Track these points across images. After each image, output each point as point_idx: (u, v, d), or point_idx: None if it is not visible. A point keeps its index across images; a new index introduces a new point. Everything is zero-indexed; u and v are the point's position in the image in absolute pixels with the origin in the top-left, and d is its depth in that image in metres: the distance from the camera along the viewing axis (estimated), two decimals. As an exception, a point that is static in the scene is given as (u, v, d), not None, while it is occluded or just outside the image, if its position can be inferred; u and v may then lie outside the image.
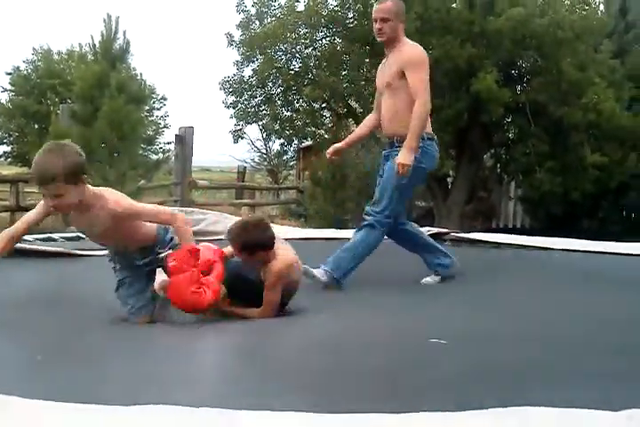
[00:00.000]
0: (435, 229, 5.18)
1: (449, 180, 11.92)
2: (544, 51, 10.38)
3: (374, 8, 3.66)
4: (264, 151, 21.47)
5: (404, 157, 3.38)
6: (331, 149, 4.03)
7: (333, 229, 6.11)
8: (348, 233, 5.20)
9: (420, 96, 3.40)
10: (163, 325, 2.68)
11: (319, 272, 3.41)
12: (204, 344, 2.43)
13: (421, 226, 5.86)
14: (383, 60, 3.85)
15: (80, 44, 23.13)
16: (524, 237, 5.20)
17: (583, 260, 4.25)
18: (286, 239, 4.84)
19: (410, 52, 3.58)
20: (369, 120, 4.01)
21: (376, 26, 3.60)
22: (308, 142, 13.44)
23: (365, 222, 3.66)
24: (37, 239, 4.46)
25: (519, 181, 12.08)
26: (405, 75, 3.47)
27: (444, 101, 10.04)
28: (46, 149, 2.45)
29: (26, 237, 4.30)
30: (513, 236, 5.42)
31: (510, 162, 11.50)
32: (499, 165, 12.16)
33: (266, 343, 2.29)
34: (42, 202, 2.53)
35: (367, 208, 3.70)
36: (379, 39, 3.64)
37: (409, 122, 3.41)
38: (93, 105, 7.13)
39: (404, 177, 3.42)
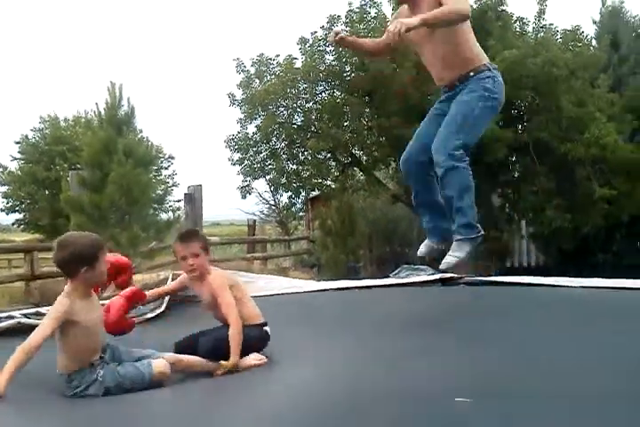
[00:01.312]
0: (448, 274, 5.14)
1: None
2: (541, 89, 10.56)
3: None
4: (272, 203, 21.63)
5: (408, 20, 3.01)
6: (337, 37, 3.41)
7: (347, 281, 6.04)
8: (365, 282, 5.19)
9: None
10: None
11: (455, 253, 3.28)
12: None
13: (437, 270, 5.83)
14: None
15: (86, 110, 23.76)
16: (546, 278, 5.13)
17: (603, 296, 4.17)
18: (303, 292, 4.85)
19: None
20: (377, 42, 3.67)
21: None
22: (316, 193, 13.55)
23: (442, 171, 3.32)
24: (23, 315, 4.31)
25: (529, 219, 12.05)
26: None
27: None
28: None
29: (41, 310, 4.23)
30: (530, 277, 5.35)
31: (518, 201, 11.52)
32: (507, 205, 12.17)
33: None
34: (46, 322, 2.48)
35: (435, 156, 3.31)
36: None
37: (460, 61, 3.25)
38: (102, 171, 7.24)
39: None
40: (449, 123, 3.30)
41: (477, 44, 3.36)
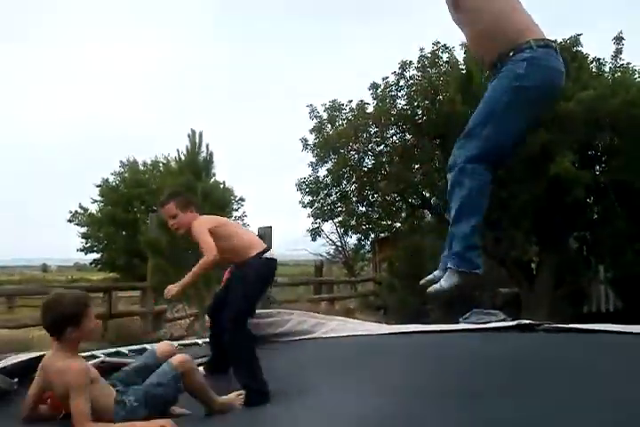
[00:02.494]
0: (525, 321, 4.99)
1: (533, 265, 11.61)
2: (619, 130, 10.31)
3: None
4: (339, 244, 21.68)
5: None
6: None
7: (418, 325, 5.95)
8: (438, 327, 5.11)
9: None
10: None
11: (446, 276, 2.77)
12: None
13: (508, 315, 5.66)
14: None
15: (165, 155, 24.72)
16: (627, 326, 4.91)
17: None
18: (375, 335, 4.82)
19: None
20: None
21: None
22: (384, 235, 13.53)
23: (450, 181, 2.81)
24: (131, 351, 4.41)
25: (608, 263, 11.60)
26: None
27: (520, 187, 10.01)
28: None
29: (122, 350, 4.35)
30: (612, 325, 5.13)
31: (597, 244, 11.13)
32: (585, 248, 11.78)
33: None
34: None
35: (451, 158, 2.83)
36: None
37: (500, 37, 2.68)
38: (182, 213, 7.49)
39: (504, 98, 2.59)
40: (475, 114, 2.77)
41: (524, 16, 2.73)
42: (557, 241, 10.96)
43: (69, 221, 24.99)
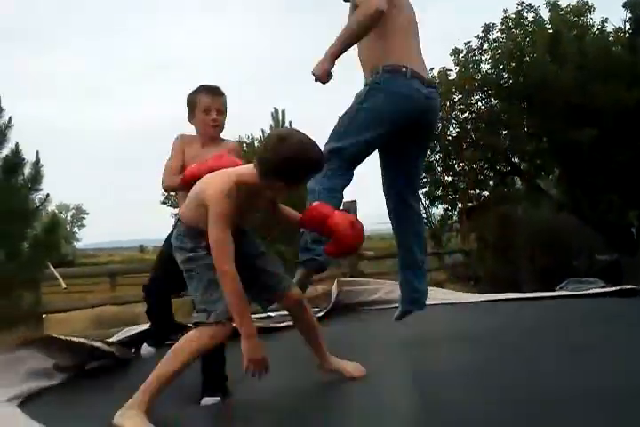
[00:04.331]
0: (628, 286, 4.78)
1: (633, 229, 11.07)
2: None
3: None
4: (425, 216, 21.48)
5: (316, 65, 2.59)
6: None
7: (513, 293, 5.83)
8: (534, 294, 5.00)
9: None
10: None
11: None
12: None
13: (608, 283, 5.44)
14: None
15: (249, 135, 25.14)
16: None
17: None
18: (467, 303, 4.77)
19: None
20: None
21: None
22: (472, 204, 13.27)
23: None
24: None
25: None
26: None
27: (616, 148, 9.54)
28: None
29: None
30: None
31: None
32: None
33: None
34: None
35: None
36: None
37: (375, 54, 2.72)
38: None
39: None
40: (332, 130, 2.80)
41: (404, 42, 2.73)
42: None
43: (163, 202, 26.02)
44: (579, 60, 9.89)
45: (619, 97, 9.34)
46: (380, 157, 2.95)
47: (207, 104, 2.61)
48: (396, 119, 2.68)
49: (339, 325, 4.06)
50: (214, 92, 2.64)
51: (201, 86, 2.67)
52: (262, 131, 8.15)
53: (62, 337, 3.19)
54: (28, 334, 3.27)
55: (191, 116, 2.68)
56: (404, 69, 2.64)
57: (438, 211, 14.10)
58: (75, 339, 3.21)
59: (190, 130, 2.67)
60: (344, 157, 2.66)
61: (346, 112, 2.73)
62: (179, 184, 2.43)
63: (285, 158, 1.90)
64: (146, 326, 3.91)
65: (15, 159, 3.72)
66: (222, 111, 2.66)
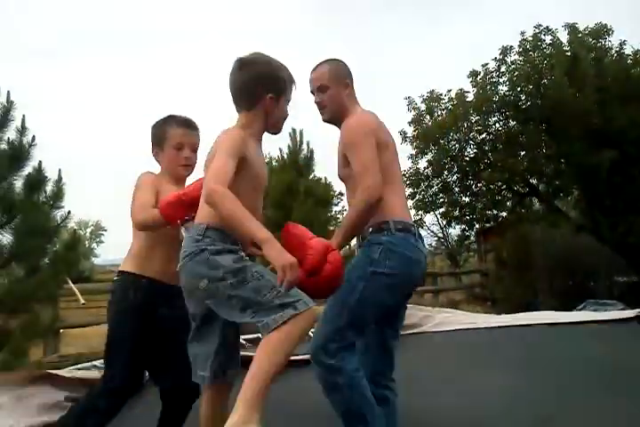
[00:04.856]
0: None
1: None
2: None
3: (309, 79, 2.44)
4: (441, 236, 21.39)
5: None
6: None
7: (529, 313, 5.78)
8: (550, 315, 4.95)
9: (361, 181, 2.16)
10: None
11: None
12: None
13: (627, 305, 5.37)
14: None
15: (266, 154, 25.35)
16: None
17: None
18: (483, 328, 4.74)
19: (346, 129, 2.29)
20: None
21: (315, 100, 2.42)
22: (489, 225, 13.22)
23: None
24: (246, 340, 4.54)
25: None
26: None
27: (636, 169, 9.50)
28: None
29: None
30: None
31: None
32: None
33: None
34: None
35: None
36: (323, 118, 2.42)
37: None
38: (285, 210, 7.71)
39: (348, 294, 2.15)
40: (329, 304, 2.26)
41: (395, 195, 2.33)
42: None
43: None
44: (597, 83, 9.90)
45: (638, 119, 9.32)
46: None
47: (179, 139, 2.23)
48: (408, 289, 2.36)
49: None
50: (188, 125, 2.27)
51: (170, 117, 2.29)
52: (280, 150, 8.23)
53: (67, 375, 3.16)
54: (37, 371, 3.25)
55: (157, 151, 2.28)
56: (412, 229, 2.32)
57: (455, 231, 14.07)
58: (80, 375, 3.19)
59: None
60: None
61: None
62: (157, 217, 2.07)
63: (265, 69, 1.95)
64: None
65: (38, 177, 3.78)
66: (196, 149, 2.27)
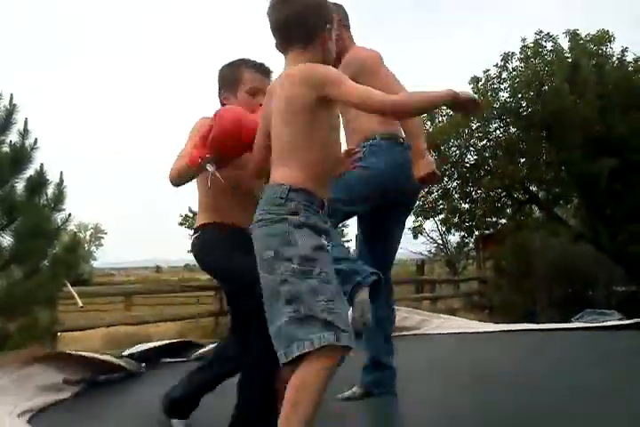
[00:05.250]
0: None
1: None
2: None
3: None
4: (440, 242, 21.37)
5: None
6: None
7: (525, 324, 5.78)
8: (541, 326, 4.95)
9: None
10: None
11: None
12: None
13: (625, 315, 5.36)
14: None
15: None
16: None
17: None
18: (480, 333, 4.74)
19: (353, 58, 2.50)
20: None
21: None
22: (488, 232, 13.23)
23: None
24: None
25: None
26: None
27: (636, 177, 9.52)
28: None
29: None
30: None
31: None
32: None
33: None
34: None
35: None
36: None
37: (358, 130, 2.55)
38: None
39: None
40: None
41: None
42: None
43: (180, 224, 26.20)
44: (598, 90, 9.92)
45: (638, 127, 9.35)
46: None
47: (256, 84, 2.04)
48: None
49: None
50: (265, 71, 2.07)
51: (245, 60, 2.09)
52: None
53: (73, 352, 3.24)
54: (41, 350, 3.31)
55: (227, 95, 2.08)
56: (399, 139, 2.53)
57: (455, 238, 14.06)
58: (85, 353, 3.27)
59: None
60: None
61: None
62: (182, 165, 1.89)
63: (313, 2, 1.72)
64: (163, 342, 3.97)
65: (39, 179, 3.79)
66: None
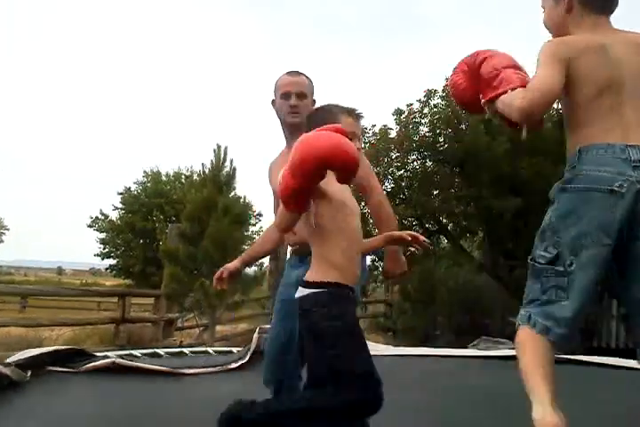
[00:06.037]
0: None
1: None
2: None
3: (286, 81, 2.50)
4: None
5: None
6: (225, 274, 2.68)
7: (426, 348, 6.06)
8: (440, 351, 5.21)
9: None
10: None
11: None
12: None
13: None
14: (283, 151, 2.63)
15: (188, 167, 25.08)
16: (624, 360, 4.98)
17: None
18: (380, 355, 4.93)
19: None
20: (272, 232, 2.79)
21: (291, 102, 2.44)
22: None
23: None
24: (143, 354, 4.61)
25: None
26: None
27: (537, 218, 10.09)
28: None
29: (134, 353, 4.54)
30: (615, 359, 5.21)
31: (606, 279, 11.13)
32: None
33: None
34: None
35: None
36: (290, 120, 2.46)
37: None
38: (201, 225, 7.71)
39: None
40: None
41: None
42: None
43: (89, 226, 25.36)
44: (510, 133, 10.51)
45: (544, 172, 9.95)
46: None
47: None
48: None
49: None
50: (359, 116, 2.18)
51: (335, 106, 2.16)
52: (203, 165, 8.23)
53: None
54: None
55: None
56: None
57: (367, 261, 14.37)
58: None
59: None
60: None
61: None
62: (284, 213, 1.90)
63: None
64: (49, 349, 3.86)
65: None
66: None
